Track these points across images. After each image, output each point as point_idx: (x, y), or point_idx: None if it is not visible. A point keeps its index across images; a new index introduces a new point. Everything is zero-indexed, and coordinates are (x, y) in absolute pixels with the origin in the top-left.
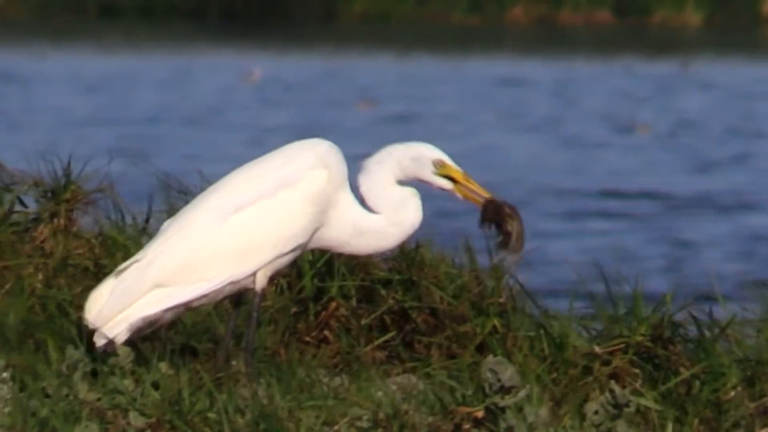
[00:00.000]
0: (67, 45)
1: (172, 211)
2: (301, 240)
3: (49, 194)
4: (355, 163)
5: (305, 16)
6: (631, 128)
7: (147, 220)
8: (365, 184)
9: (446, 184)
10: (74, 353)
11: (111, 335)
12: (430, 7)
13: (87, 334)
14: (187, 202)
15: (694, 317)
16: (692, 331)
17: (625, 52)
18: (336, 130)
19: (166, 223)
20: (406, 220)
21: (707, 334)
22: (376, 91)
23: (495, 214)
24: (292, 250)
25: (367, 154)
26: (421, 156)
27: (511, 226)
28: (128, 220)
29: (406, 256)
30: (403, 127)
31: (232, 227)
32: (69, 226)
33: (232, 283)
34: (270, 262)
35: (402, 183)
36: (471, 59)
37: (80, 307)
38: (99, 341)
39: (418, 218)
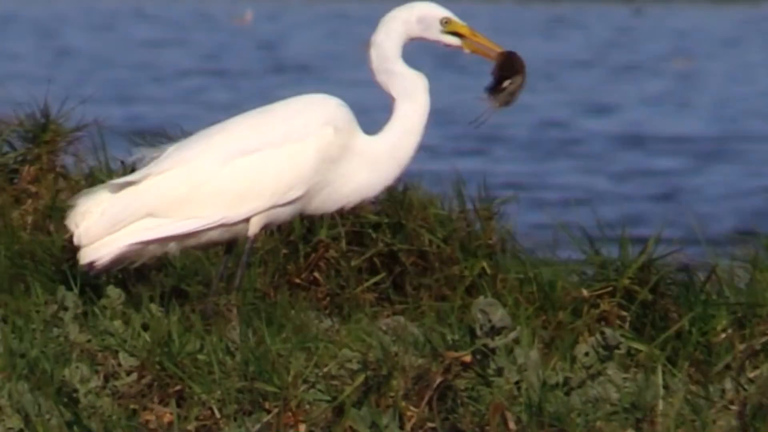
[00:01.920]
0: None
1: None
2: (297, 193)
3: (30, 135)
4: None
5: None
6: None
7: (134, 163)
8: (378, 58)
9: (454, 41)
10: (65, 294)
11: (95, 257)
12: None
13: (87, 278)
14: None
15: (681, 261)
16: (680, 275)
17: None
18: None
19: (170, 149)
20: (421, 104)
21: (695, 277)
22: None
23: (510, 67)
24: (289, 203)
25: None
26: (427, 15)
27: (515, 81)
28: (115, 163)
29: (395, 199)
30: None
31: (234, 169)
32: (53, 167)
33: (223, 225)
34: (265, 211)
35: (406, 44)
36: None
37: (69, 250)
38: (83, 260)
39: (428, 100)
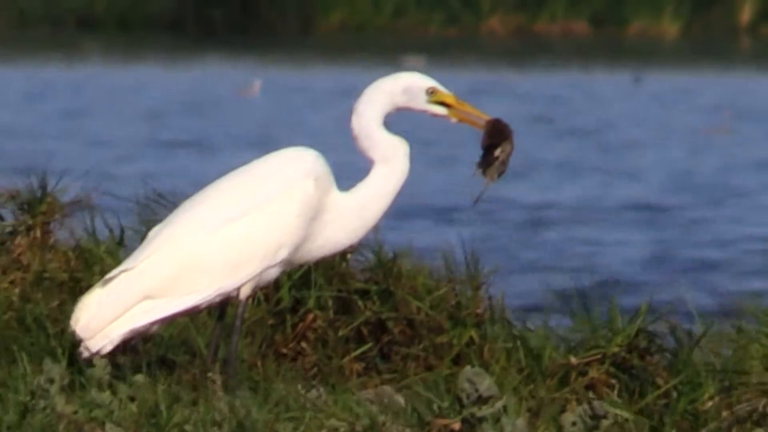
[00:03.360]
0: (44, 56)
1: (150, 223)
2: (290, 250)
3: (26, 207)
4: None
5: (283, 27)
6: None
7: (122, 233)
8: (359, 125)
9: (440, 111)
10: (51, 366)
11: (98, 347)
12: (407, 18)
13: (70, 345)
14: (163, 216)
15: (671, 328)
16: (668, 341)
17: (600, 62)
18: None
19: (154, 230)
20: (400, 169)
21: (684, 344)
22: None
23: (499, 134)
24: (281, 262)
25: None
26: (412, 85)
27: (504, 149)
28: (105, 233)
29: (384, 266)
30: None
31: (222, 239)
32: (45, 239)
33: (220, 294)
34: (259, 274)
35: (391, 116)
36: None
37: (57, 321)
38: (85, 352)
39: (407, 166)
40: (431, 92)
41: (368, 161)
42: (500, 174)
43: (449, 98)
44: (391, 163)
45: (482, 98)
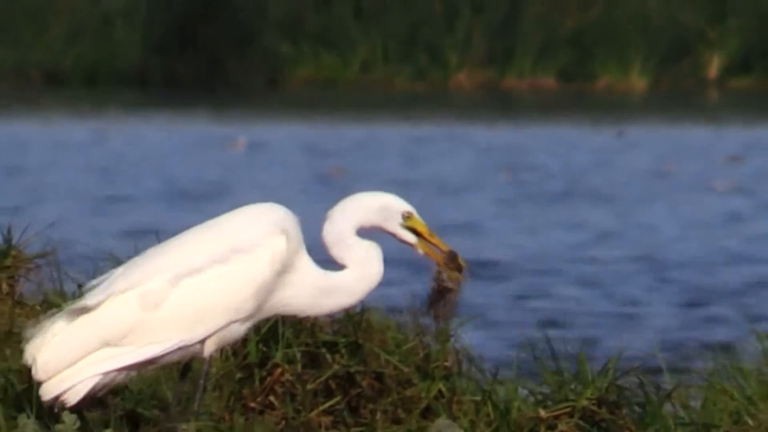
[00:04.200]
0: (12, 112)
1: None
2: (252, 306)
3: None
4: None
5: (249, 81)
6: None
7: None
8: (330, 233)
9: (411, 238)
10: (26, 422)
11: (57, 391)
12: (375, 72)
13: (38, 401)
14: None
15: (640, 381)
16: (638, 394)
17: (567, 118)
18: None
19: (118, 270)
20: (373, 274)
21: (653, 398)
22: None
23: (454, 265)
24: (245, 318)
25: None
26: (390, 206)
27: (455, 288)
28: (72, 287)
29: (352, 320)
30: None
31: (184, 291)
32: (12, 293)
33: (181, 348)
34: (221, 329)
35: (362, 232)
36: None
37: (26, 375)
38: (46, 396)
39: (381, 271)
40: (407, 216)
41: (340, 266)
42: (450, 316)
43: (422, 228)
44: (364, 267)
45: (447, 148)
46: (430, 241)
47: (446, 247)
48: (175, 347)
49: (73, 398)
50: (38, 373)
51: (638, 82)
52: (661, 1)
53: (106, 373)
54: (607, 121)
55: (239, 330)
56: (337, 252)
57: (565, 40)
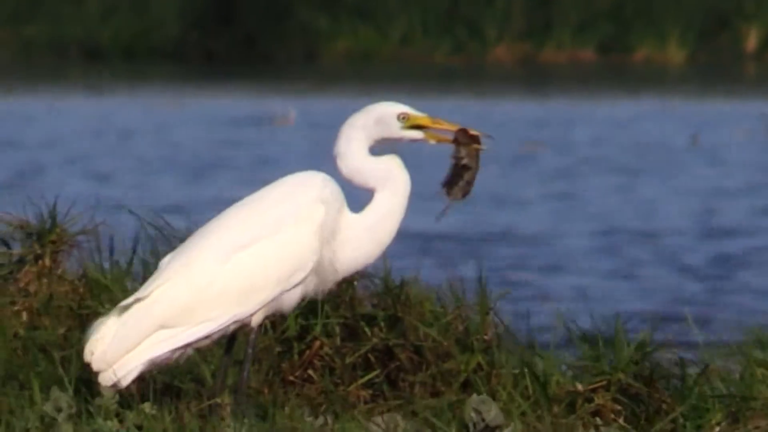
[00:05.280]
0: (52, 86)
1: (158, 254)
2: (302, 275)
3: (35, 236)
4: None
5: (286, 56)
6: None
7: (130, 263)
8: (345, 168)
9: (417, 135)
10: (59, 395)
11: (115, 378)
12: (413, 47)
13: (77, 373)
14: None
15: (676, 355)
16: (674, 368)
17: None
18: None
19: (166, 259)
20: (400, 184)
21: (689, 372)
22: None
23: (468, 140)
24: (295, 287)
25: None
26: (383, 114)
27: (471, 164)
28: (113, 261)
29: (391, 293)
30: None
31: (234, 266)
32: (54, 268)
33: (235, 321)
34: (273, 300)
35: (375, 150)
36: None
37: (64, 348)
38: (105, 383)
39: (407, 178)
40: (403, 117)
41: (370, 192)
42: (464, 194)
43: (423, 120)
44: (391, 183)
45: (486, 125)
46: (436, 128)
47: (455, 126)
48: (230, 322)
49: (127, 380)
50: (98, 364)
51: (676, 55)
52: None
53: (162, 354)
54: (646, 94)
55: (290, 300)
56: (360, 180)
57: (604, 12)
